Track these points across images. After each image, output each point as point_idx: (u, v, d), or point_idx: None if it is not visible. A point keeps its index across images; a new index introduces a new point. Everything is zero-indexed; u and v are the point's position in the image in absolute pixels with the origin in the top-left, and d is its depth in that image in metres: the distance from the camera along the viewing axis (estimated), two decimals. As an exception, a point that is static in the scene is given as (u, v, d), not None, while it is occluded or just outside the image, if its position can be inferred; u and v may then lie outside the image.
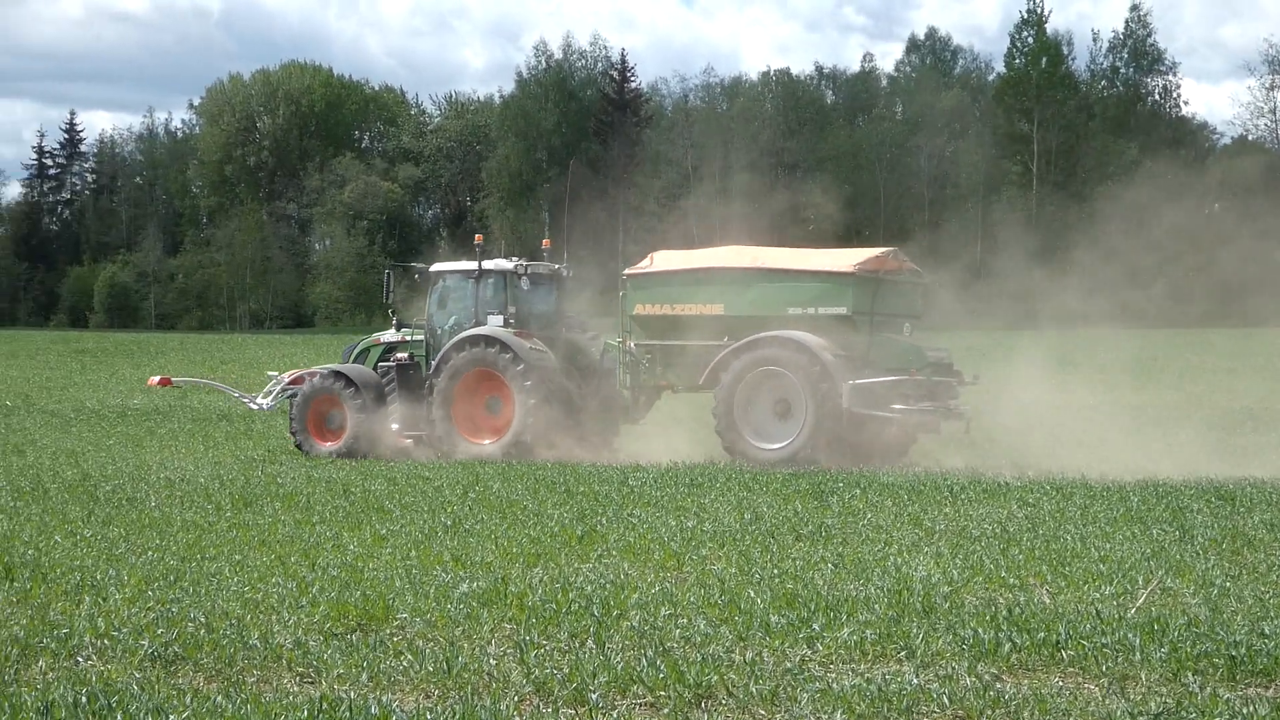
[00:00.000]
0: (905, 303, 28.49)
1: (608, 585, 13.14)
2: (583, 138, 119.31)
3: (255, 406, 33.24)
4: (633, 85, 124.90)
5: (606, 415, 29.77)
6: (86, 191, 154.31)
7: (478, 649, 10.86)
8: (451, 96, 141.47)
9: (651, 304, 28.58)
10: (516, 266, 29.72)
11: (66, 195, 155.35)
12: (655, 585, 13.24)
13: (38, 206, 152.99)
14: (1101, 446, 28.20)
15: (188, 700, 9.30)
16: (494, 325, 29.31)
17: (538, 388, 28.39)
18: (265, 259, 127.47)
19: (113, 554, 15.29)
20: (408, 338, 30.85)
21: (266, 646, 10.80)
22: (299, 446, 30.10)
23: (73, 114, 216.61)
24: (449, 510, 19.06)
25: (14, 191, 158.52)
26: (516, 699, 9.52)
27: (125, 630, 11.28)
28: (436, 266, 30.92)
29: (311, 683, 10.05)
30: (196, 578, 13.63)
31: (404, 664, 10.32)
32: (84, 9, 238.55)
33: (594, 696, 9.54)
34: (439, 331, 30.04)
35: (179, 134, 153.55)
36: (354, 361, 31.29)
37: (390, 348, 30.98)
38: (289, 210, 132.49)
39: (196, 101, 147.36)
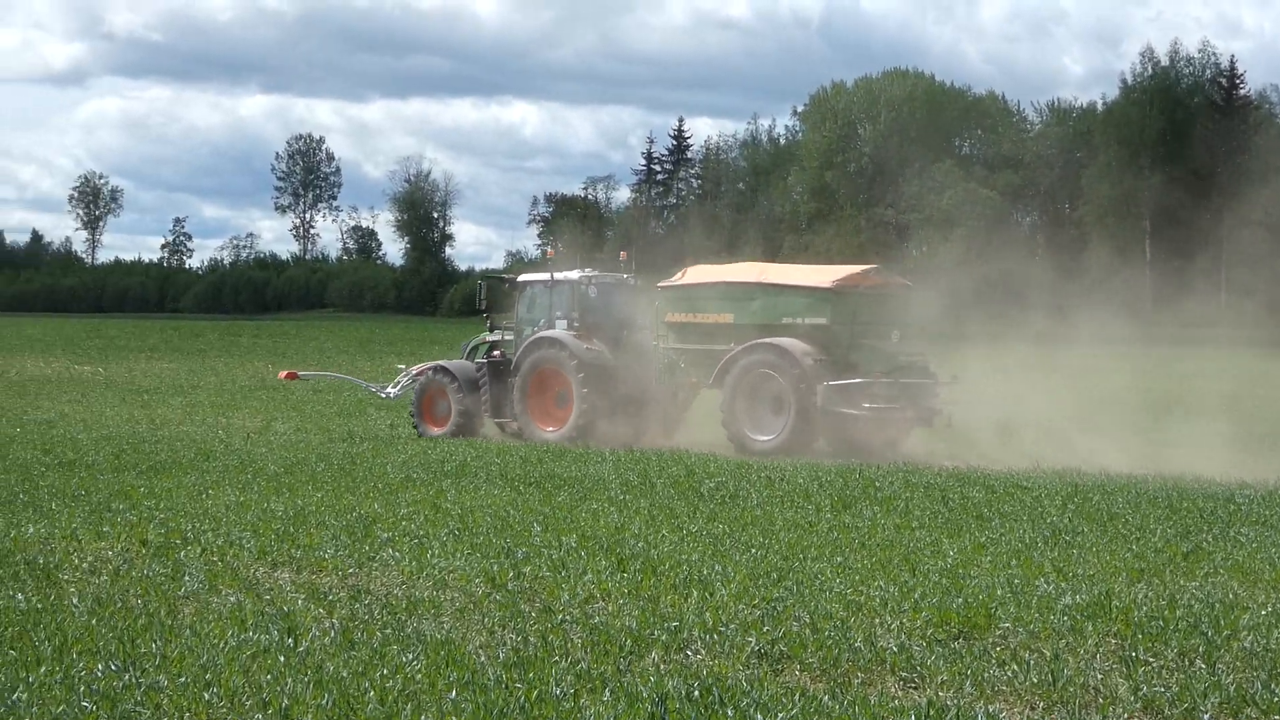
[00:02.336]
0: (890, 313, 31.81)
1: (1216, 604, 12.71)
2: (1186, 146, 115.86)
3: (385, 395, 37.67)
4: (1241, 92, 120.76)
5: (663, 408, 33.36)
6: (691, 197, 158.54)
7: (1082, 662, 10.66)
8: (1054, 103, 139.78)
9: (679, 313, 32.70)
10: (581, 278, 33.68)
11: (673, 200, 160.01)
12: (1267, 606, 12.74)
13: (646, 211, 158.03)
14: None
15: (795, 698, 9.43)
16: (560, 328, 33.36)
17: (592, 383, 32.28)
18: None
19: (718, 550, 15.64)
20: (505, 337, 35.01)
21: (870, 649, 10.85)
22: (417, 430, 34.55)
23: (680, 120, 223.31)
24: (1048, 521, 18.79)
25: (623, 196, 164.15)
26: (1125, 715, 9.31)
27: (732, 626, 11.51)
28: (523, 277, 35.39)
29: (915, 688, 10.06)
30: (800, 577, 13.81)
31: (1008, 674, 10.21)
32: (690, 17, 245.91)
33: (1205, 717, 9.25)
34: (524, 333, 34.16)
35: (781, 140, 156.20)
36: (468, 356, 35.75)
37: (493, 345, 35.16)
38: (886, 216, 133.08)
39: (799, 108, 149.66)
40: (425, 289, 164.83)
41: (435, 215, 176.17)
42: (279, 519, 17.69)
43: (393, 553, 15.17)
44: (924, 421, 31.38)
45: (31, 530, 16.41)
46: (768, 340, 30.95)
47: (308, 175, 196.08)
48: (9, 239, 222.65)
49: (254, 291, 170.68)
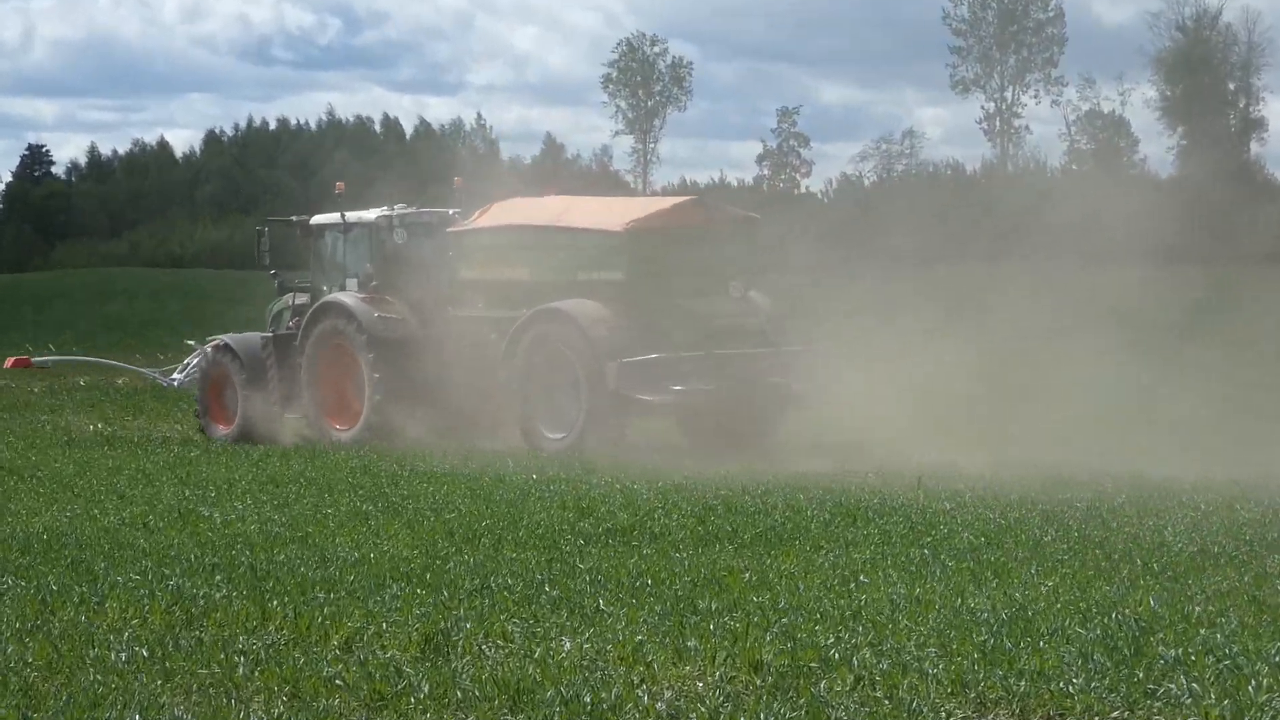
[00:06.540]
0: (722, 259, 26.92)
1: None
2: None
3: (169, 384, 32.52)
4: None
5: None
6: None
7: None
8: None
9: (474, 267, 27.27)
10: (381, 218, 28.01)
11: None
12: None
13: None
14: None
15: None
16: (349, 290, 27.77)
17: (383, 365, 26.83)
18: None
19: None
20: (299, 301, 29.11)
21: None
22: (203, 430, 29.32)
23: None
24: None
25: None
26: None
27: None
28: (315, 219, 29.35)
29: None
30: None
31: None
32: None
33: None
34: (319, 295, 28.51)
35: None
36: (270, 325, 29.69)
37: (295, 312, 29.09)
38: None
39: None
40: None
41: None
42: (986, 625, 11.79)
43: (1189, 684, 9.82)
44: (780, 401, 26.39)
45: (568, 646, 11.25)
46: (555, 305, 25.94)
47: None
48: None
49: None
